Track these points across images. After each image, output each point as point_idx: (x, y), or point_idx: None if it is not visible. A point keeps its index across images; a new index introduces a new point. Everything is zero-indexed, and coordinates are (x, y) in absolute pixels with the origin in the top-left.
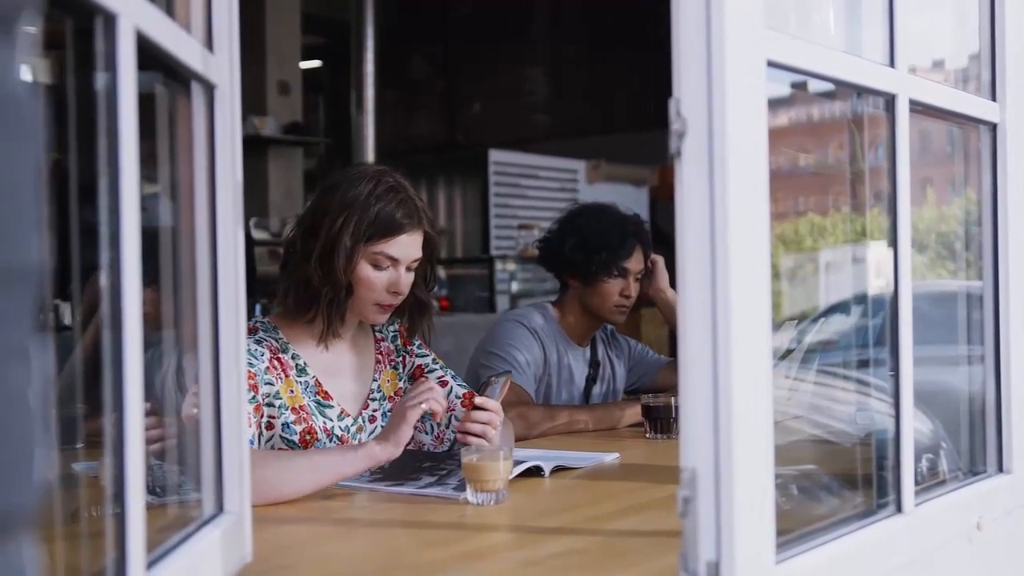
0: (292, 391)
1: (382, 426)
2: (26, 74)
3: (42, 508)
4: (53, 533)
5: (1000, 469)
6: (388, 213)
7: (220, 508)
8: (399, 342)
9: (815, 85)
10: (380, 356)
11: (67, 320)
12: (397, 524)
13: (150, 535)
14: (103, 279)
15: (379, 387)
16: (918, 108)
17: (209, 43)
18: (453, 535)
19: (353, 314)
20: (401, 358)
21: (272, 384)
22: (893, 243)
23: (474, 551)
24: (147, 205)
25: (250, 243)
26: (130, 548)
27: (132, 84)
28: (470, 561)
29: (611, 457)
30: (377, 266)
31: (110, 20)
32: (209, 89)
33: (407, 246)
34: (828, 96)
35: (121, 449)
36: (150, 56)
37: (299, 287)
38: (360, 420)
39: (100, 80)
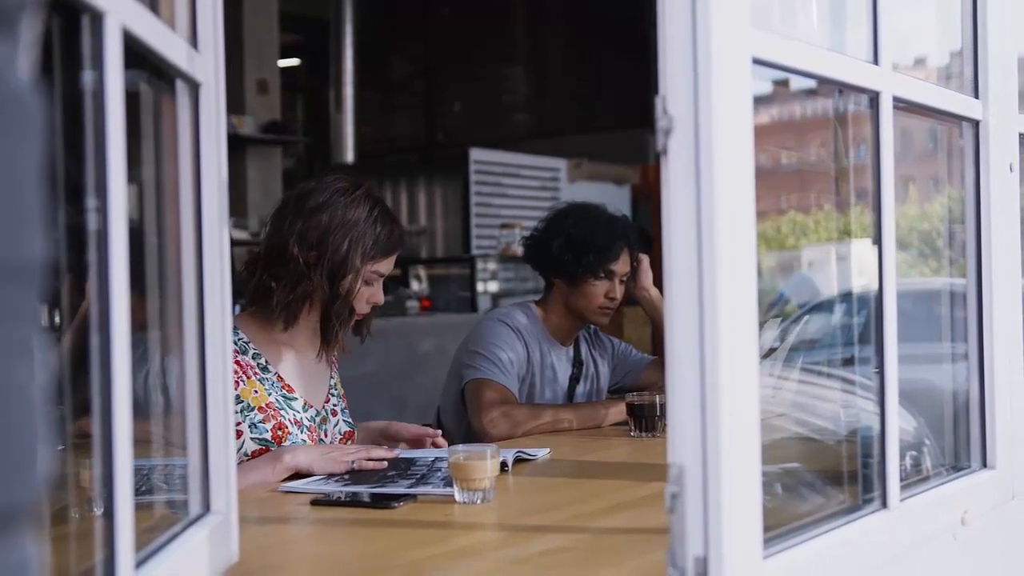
0: (256, 391)
1: (343, 420)
2: (27, 72)
3: (43, 504)
4: (40, 533)
5: (984, 464)
6: (388, 236)
7: (207, 508)
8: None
9: (797, 83)
10: (333, 359)
11: (45, 321)
12: (384, 523)
13: (136, 535)
14: (90, 280)
15: (335, 384)
16: (901, 105)
17: (194, 41)
18: (440, 534)
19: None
20: (337, 369)
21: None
22: (877, 240)
23: (462, 550)
24: (130, 205)
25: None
26: (119, 548)
27: (119, 82)
28: (458, 560)
29: (543, 452)
30: (367, 282)
31: (97, 18)
32: (194, 87)
33: (393, 262)
34: (810, 94)
35: (109, 450)
36: (135, 54)
37: (300, 301)
38: (324, 412)
39: (86, 78)
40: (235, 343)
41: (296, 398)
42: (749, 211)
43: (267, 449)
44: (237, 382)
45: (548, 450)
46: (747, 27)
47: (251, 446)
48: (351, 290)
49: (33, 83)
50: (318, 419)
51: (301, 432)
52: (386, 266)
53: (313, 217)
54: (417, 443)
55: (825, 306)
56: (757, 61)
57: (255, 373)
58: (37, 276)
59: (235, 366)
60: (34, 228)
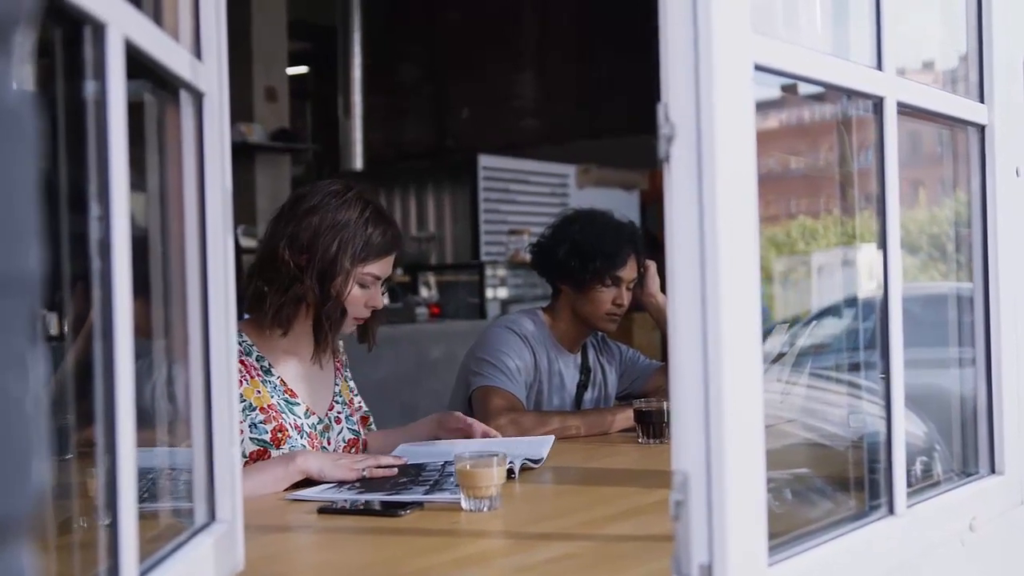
0: (259, 391)
1: (348, 428)
2: (23, 84)
3: (38, 516)
4: (46, 543)
5: (992, 470)
6: (380, 237)
7: (212, 517)
8: (345, 358)
9: (805, 87)
10: (338, 364)
11: (53, 330)
12: (390, 531)
13: (141, 544)
14: (94, 289)
15: (339, 392)
16: (906, 110)
17: (197, 51)
18: (447, 542)
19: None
20: (348, 372)
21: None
22: (883, 245)
23: (468, 557)
24: (135, 214)
25: (238, 251)
26: (123, 557)
27: (122, 92)
28: (464, 567)
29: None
30: (362, 285)
31: (99, 29)
32: (198, 97)
33: (390, 265)
34: (819, 99)
35: (113, 459)
36: (138, 64)
37: (292, 304)
38: (327, 420)
39: (89, 88)
40: (239, 345)
41: (299, 403)
42: (752, 217)
43: (266, 451)
44: (240, 381)
45: (552, 438)
46: (748, 33)
47: (250, 446)
48: (342, 292)
49: (28, 95)
50: (320, 427)
51: (301, 437)
52: (380, 268)
53: (304, 220)
54: (466, 434)
55: (834, 311)
56: (759, 67)
57: (258, 374)
58: (33, 288)
59: (239, 366)
60: (29, 241)
